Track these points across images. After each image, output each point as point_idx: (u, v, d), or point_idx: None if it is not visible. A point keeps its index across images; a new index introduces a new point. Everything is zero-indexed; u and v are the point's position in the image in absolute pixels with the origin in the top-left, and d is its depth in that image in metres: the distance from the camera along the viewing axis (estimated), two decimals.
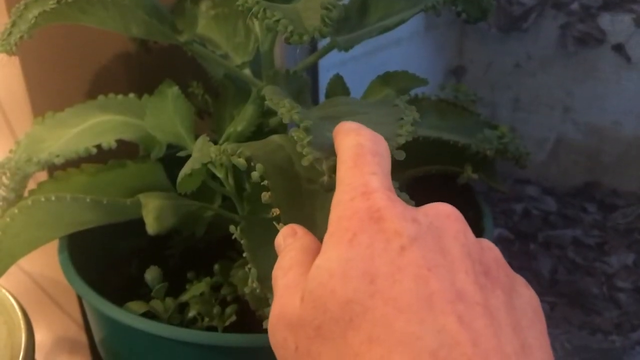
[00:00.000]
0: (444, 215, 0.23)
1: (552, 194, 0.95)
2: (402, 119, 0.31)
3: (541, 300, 0.71)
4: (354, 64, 0.78)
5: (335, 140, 0.27)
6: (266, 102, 0.34)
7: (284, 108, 0.29)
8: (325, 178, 0.27)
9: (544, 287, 0.80)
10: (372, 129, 0.29)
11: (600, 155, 0.92)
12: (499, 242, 0.85)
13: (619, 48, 0.86)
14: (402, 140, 0.29)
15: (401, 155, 0.28)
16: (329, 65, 0.73)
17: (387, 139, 0.28)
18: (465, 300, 0.20)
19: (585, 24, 0.89)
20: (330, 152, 0.28)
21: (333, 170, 0.27)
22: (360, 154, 0.25)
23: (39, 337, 0.43)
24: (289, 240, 0.27)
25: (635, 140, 0.89)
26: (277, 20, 0.30)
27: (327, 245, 0.23)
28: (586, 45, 0.89)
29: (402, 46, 0.90)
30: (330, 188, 0.28)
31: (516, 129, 0.95)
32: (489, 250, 0.23)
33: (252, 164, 0.32)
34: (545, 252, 0.85)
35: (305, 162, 0.28)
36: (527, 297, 0.23)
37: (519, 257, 0.84)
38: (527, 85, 0.94)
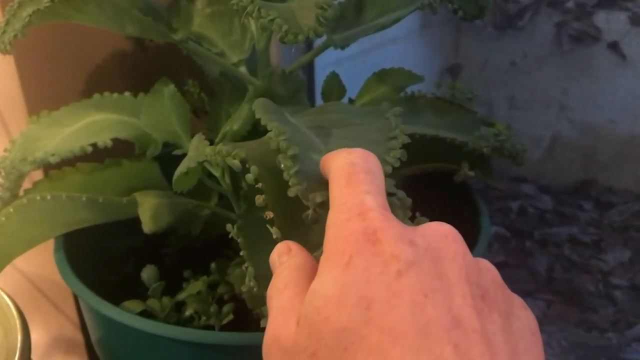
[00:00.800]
0: (441, 236, 0.23)
1: (548, 192, 0.95)
2: (392, 138, 0.31)
3: (537, 298, 0.71)
4: (350, 63, 0.78)
5: (325, 162, 0.27)
6: None
7: (272, 132, 0.29)
8: (310, 212, 0.27)
9: (540, 285, 0.80)
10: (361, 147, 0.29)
11: (595, 153, 0.92)
12: (495, 240, 0.85)
13: (614, 46, 0.86)
14: (389, 170, 0.29)
15: (390, 186, 0.28)
16: (325, 64, 0.73)
17: None
18: (461, 328, 0.20)
19: (580, 22, 0.89)
20: (317, 182, 0.28)
21: (318, 205, 0.27)
22: (352, 172, 0.24)
23: (34, 336, 0.43)
24: (284, 258, 0.26)
25: (630, 138, 0.89)
26: (272, 20, 0.30)
27: (323, 267, 0.22)
28: (581, 43, 0.89)
29: (398, 45, 0.90)
30: (315, 222, 0.27)
31: (512, 127, 0.95)
32: (487, 271, 0.23)
33: (247, 165, 0.32)
34: (542, 249, 0.85)
35: (291, 193, 0.27)
36: (524, 319, 0.23)
37: (515, 255, 0.84)
38: (522, 83, 0.94)
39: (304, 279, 0.24)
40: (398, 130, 0.31)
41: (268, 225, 0.31)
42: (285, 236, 0.30)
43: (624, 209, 0.91)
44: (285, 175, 0.28)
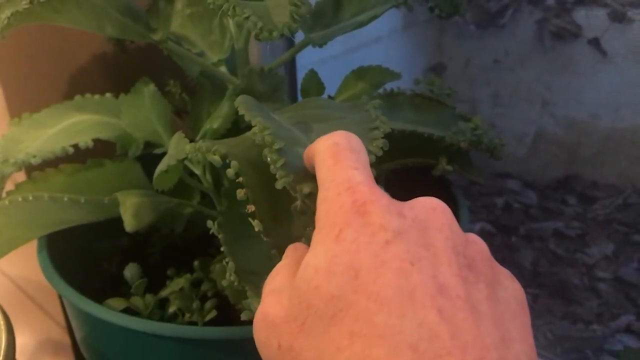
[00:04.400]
0: (429, 208, 0.23)
1: (533, 188, 0.96)
2: (373, 129, 0.31)
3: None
4: (334, 63, 0.79)
5: (309, 150, 0.27)
6: None
7: (257, 127, 0.29)
8: (299, 203, 0.28)
9: (526, 279, 0.81)
10: None
11: (579, 148, 0.93)
12: (481, 236, 0.85)
13: (594, 42, 0.87)
14: (372, 159, 0.29)
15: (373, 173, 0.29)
16: (308, 64, 0.74)
17: None
18: (446, 294, 0.20)
19: (561, 19, 0.90)
20: (303, 175, 0.28)
21: (306, 196, 0.28)
22: (337, 152, 0.25)
23: (22, 340, 0.43)
24: (289, 252, 0.27)
25: (612, 132, 0.90)
26: (247, 17, 0.31)
27: (315, 240, 0.23)
28: (562, 40, 0.90)
29: (382, 44, 0.90)
30: (303, 212, 0.28)
31: (496, 124, 0.96)
32: (474, 243, 0.23)
33: (227, 161, 0.32)
34: (527, 244, 0.86)
35: (279, 186, 0.28)
36: (511, 289, 0.23)
37: (501, 250, 0.85)
38: (506, 80, 0.95)
39: (298, 266, 0.24)
40: (379, 121, 0.32)
41: (250, 219, 0.31)
42: (266, 229, 0.31)
43: (608, 202, 0.92)
44: (272, 169, 0.28)
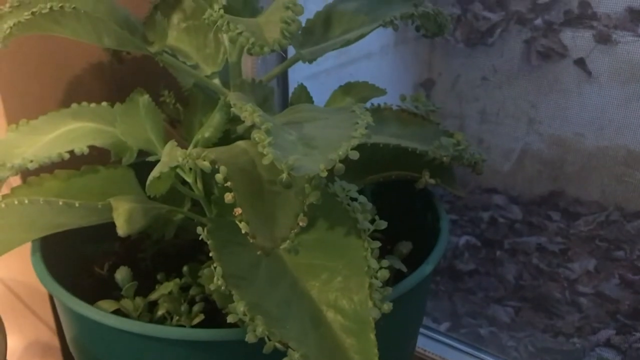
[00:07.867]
0: None
1: (518, 203, 0.98)
2: (357, 123, 0.33)
3: (506, 305, 0.73)
4: (326, 77, 0.81)
5: None
6: (232, 110, 0.36)
7: (247, 112, 0.31)
8: (285, 175, 0.29)
9: (509, 292, 0.82)
10: (330, 132, 0.31)
11: (563, 165, 0.95)
12: (466, 249, 0.87)
13: (580, 62, 0.89)
14: (355, 142, 0.31)
15: (355, 155, 0.30)
16: (301, 79, 0.76)
17: (341, 141, 0.30)
18: None
19: (548, 39, 0.92)
20: (289, 152, 0.30)
21: (292, 168, 0.29)
22: None
23: (11, 341, 0.44)
24: None
25: (596, 150, 0.92)
26: (240, 33, 0.33)
27: None
28: (549, 60, 0.92)
29: (373, 60, 0.92)
30: (289, 185, 0.30)
31: (483, 140, 0.98)
32: None
33: (216, 166, 0.34)
34: (511, 258, 0.88)
35: (265, 161, 0.30)
36: None
37: (486, 264, 0.87)
38: (493, 97, 0.97)
39: None
40: (362, 116, 0.33)
41: (237, 221, 0.33)
42: (252, 230, 0.32)
43: (591, 219, 0.94)
44: (260, 147, 0.29)
